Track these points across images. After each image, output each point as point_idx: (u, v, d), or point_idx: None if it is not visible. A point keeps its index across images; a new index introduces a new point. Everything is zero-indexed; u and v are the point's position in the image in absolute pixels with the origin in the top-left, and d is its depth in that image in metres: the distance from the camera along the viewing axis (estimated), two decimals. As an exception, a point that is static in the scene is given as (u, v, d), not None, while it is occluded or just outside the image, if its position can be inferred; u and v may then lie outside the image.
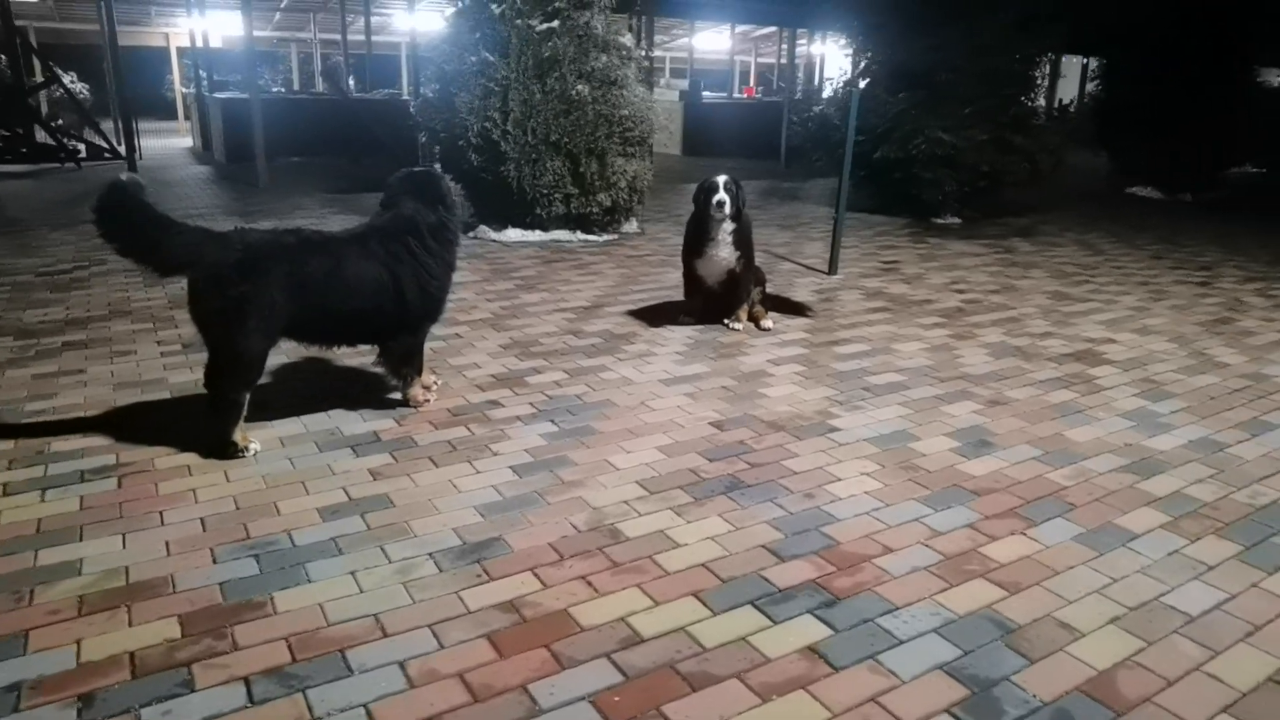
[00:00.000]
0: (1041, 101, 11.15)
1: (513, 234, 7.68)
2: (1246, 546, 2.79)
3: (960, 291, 6.26)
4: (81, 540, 2.62)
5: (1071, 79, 18.53)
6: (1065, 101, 11.24)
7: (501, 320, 5.17)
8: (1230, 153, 12.68)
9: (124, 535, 2.65)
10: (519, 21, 7.24)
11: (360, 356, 4.22)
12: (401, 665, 2.09)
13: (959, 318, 5.52)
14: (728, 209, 4.73)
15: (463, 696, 1.99)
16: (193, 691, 1.99)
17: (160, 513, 2.79)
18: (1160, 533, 2.87)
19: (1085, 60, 16.38)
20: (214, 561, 2.53)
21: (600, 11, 7.54)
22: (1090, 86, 13.79)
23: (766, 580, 2.49)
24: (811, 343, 4.86)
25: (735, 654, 2.16)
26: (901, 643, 2.23)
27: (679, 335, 4.93)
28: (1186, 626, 2.36)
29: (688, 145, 17.16)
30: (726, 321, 5.04)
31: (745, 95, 23.51)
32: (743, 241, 4.87)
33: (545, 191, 7.45)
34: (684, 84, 18.45)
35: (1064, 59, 16.40)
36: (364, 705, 1.96)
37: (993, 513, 2.95)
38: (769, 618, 2.31)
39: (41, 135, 14.26)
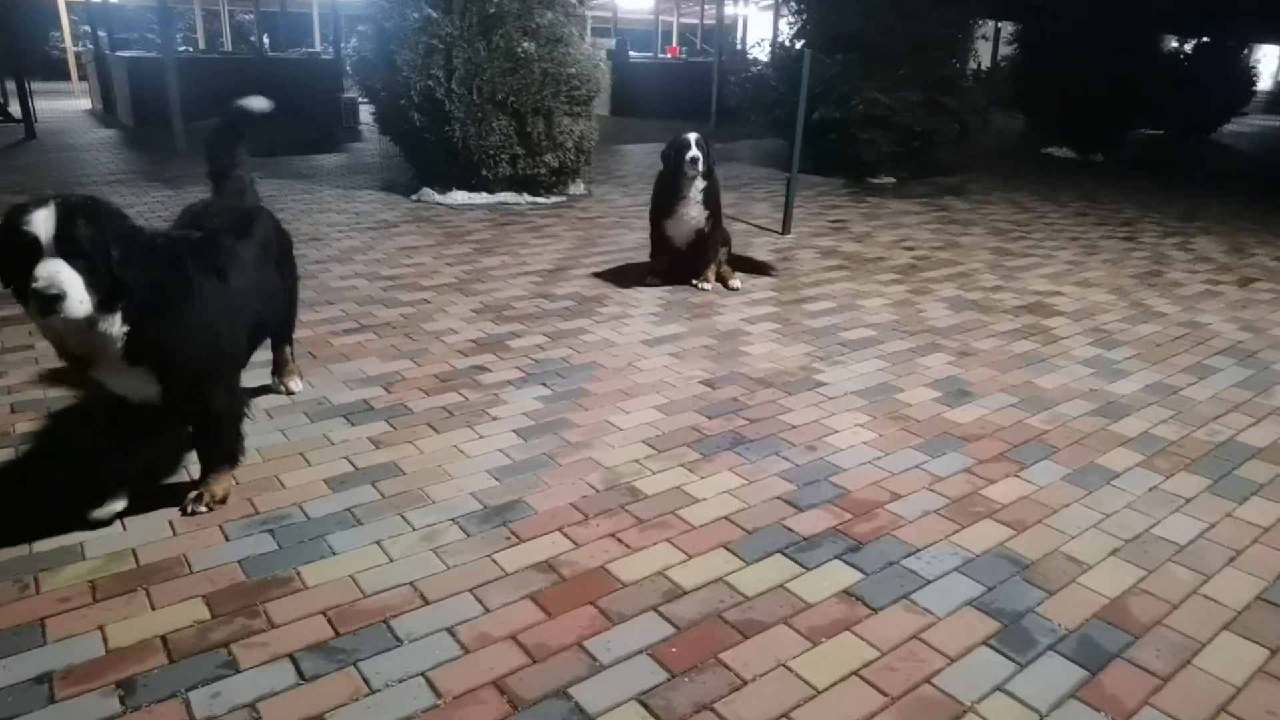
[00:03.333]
0: (971, 65, 11.43)
1: (459, 196, 7.50)
2: (1214, 480, 3.00)
3: (909, 249, 6.44)
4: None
5: (985, 42, 19.07)
6: (979, 65, 11.57)
7: (467, 285, 5.07)
8: (1136, 115, 13.33)
9: (121, 517, 2.52)
10: (460, -24, 7.01)
11: (322, 326, 4.09)
12: (451, 631, 2.08)
13: (913, 274, 5.68)
14: (701, 165, 4.73)
15: (520, 658, 1.99)
16: (238, 672, 1.93)
17: (157, 490, 2.66)
18: (1138, 470, 3.05)
19: (997, 25, 16.83)
20: (226, 539, 2.44)
21: (543, -34, 7.37)
22: (1007, 50, 14.21)
23: (789, 530, 2.56)
24: (780, 300, 4.93)
25: (776, 601, 2.22)
26: (929, 582, 2.33)
27: (650, 296, 4.93)
28: (1178, 555, 2.53)
29: (616, 105, 16.98)
30: (695, 282, 5.07)
31: (670, 55, 23.37)
32: (712, 200, 4.89)
33: (492, 152, 7.30)
34: (610, 43, 18.19)
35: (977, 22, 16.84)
36: (421, 674, 1.94)
37: (985, 458, 3.09)
38: (800, 565, 2.38)
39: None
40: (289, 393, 3.38)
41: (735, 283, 5.14)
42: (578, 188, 8.22)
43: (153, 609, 2.14)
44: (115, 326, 2.18)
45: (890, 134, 9.43)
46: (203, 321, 2.43)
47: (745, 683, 1.93)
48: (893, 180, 9.77)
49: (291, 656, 1.98)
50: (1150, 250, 6.71)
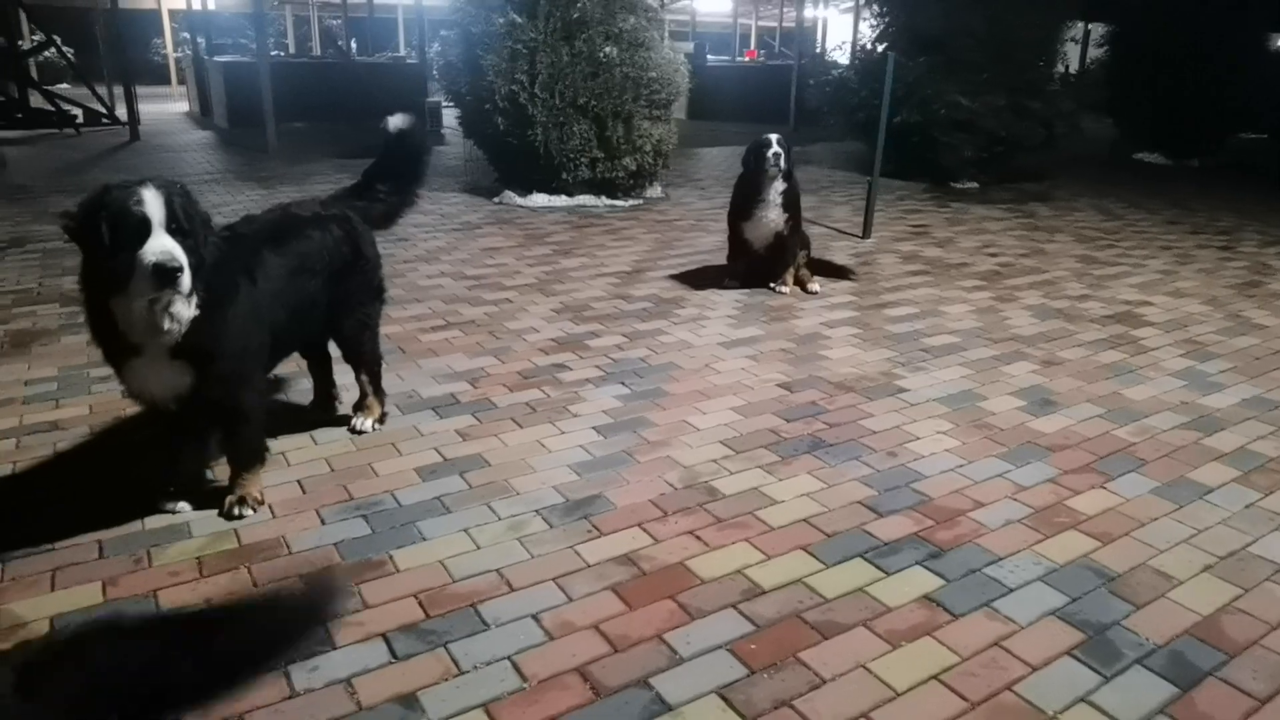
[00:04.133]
0: (1069, 67, 11.12)
1: (538, 199, 7.65)
2: (1318, 498, 2.88)
3: (993, 255, 6.31)
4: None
5: (1074, 45, 18.47)
6: (1066, 68, 11.17)
7: (547, 285, 5.18)
8: (1236, 118, 12.73)
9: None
10: (545, -18, 7.16)
11: (410, 323, 4.23)
12: (535, 618, 2.15)
13: (997, 281, 5.57)
14: (783, 162, 4.74)
15: (603, 647, 2.05)
16: (334, 649, 2.04)
17: (259, 474, 2.81)
18: (1233, 486, 2.95)
19: (1086, 26, 16.29)
20: (322, 523, 2.57)
21: (626, -28, 7.46)
22: (1097, 53, 13.74)
23: (870, 534, 2.56)
24: (860, 305, 4.90)
25: (856, 603, 2.23)
26: (1011, 590, 2.31)
27: (727, 299, 4.96)
28: (1277, 575, 2.44)
29: (693, 109, 17.01)
30: (773, 285, 5.07)
31: (747, 58, 23.32)
32: (792, 203, 4.89)
33: (572, 156, 7.42)
34: (688, 46, 18.25)
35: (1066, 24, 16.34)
36: (508, 657, 2.01)
37: (1070, 468, 3.03)
38: (880, 569, 2.38)
39: (37, 100, 14.03)
40: (355, 431, 3.13)
41: (814, 286, 5.12)
42: (655, 191, 8.29)
43: (254, 585, 2.27)
44: (187, 310, 2.27)
45: (973, 138, 9.24)
46: (249, 318, 2.52)
47: (824, 681, 1.95)
48: (975, 185, 9.57)
49: (384, 636, 2.08)
50: (1249, 260, 6.43)
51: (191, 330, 2.30)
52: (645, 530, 2.55)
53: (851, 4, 18.66)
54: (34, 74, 16.70)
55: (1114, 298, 5.28)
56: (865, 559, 2.43)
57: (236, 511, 2.58)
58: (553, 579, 2.31)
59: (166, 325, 2.24)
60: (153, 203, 2.13)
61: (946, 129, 9.13)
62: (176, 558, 2.39)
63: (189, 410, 2.52)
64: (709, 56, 18.77)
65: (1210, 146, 12.54)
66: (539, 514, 2.63)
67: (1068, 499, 2.82)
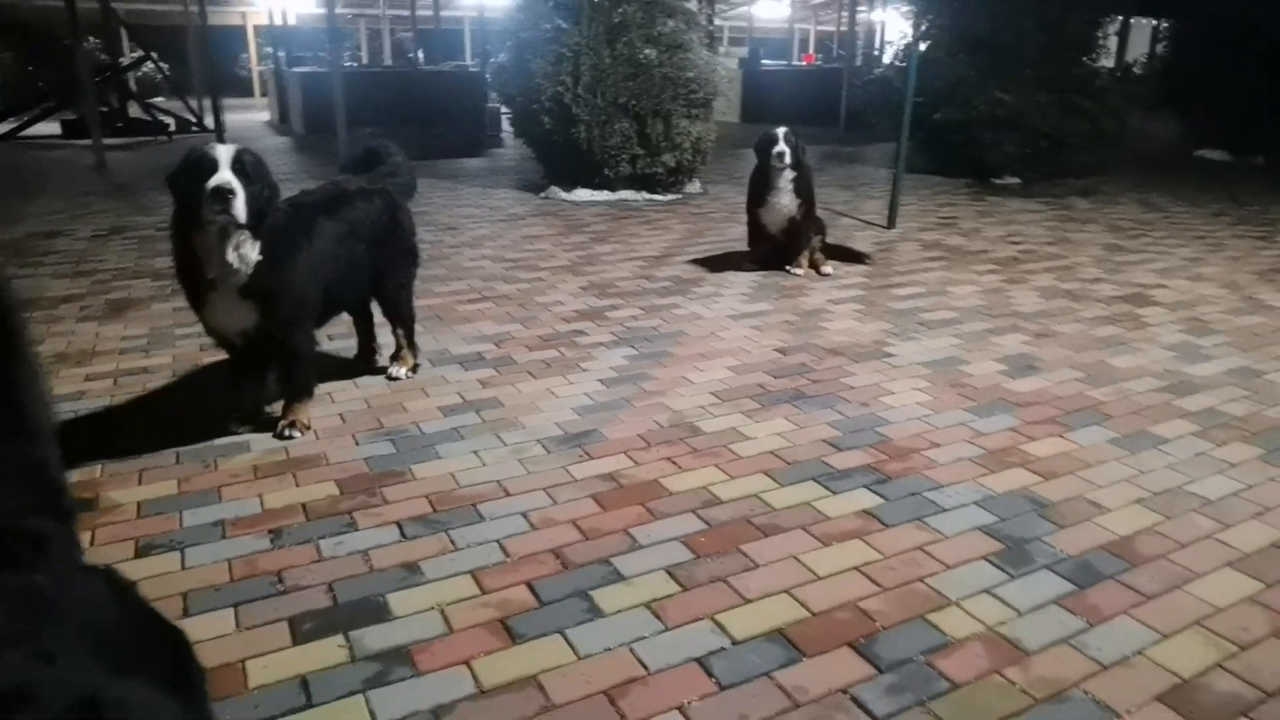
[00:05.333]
0: (1108, 63, 11.07)
1: (582, 194, 8.09)
2: (1270, 450, 3.07)
3: (1016, 243, 6.47)
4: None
5: (1141, 41, 18.15)
6: (1130, 63, 11.11)
7: (579, 267, 5.59)
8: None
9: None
10: (590, -11, 7.60)
11: (449, 296, 4.67)
12: (524, 515, 2.53)
13: (1013, 266, 5.76)
14: (788, 158, 5.06)
15: (576, 536, 2.42)
16: (356, 530, 2.46)
17: (307, 408, 3.27)
18: (1190, 439, 3.16)
19: (1156, 22, 16.04)
20: (356, 444, 3.01)
21: (667, -22, 7.86)
22: (1143, 49, 13.56)
23: (827, 464, 2.87)
24: (869, 286, 5.17)
25: (800, 514, 2.55)
26: (945, 510, 2.60)
27: (744, 279, 5.29)
28: (1204, 507, 2.67)
29: (747, 112, 17.33)
30: (788, 267, 5.38)
31: (805, 62, 23.46)
32: (803, 189, 5.19)
33: (613, 152, 7.84)
34: (743, 51, 18.56)
35: (1133, 21, 16.09)
36: (496, 541, 2.40)
37: (1033, 420, 3.28)
38: (829, 490, 2.70)
39: (134, 110, 15.18)
40: (390, 378, 3.56)
41: (827, 269, 5.41)
42: (694, 186, 8.64)
43: (297, 486, 2.72)
44: (254, 253, 2.78)
45: (1016, 135, 9.33)
46: (306, 270, 2.99)
47: (757, 566, 2.28)
48: (1018, 181, 9.64)
49: (398, 523, 2.49)
50: (1282, 249, 6.44)
51: (257, 274, 2.80)
52: (629, 456, 2.92)
53: (911, 7, 18.72)
54: (133, 87, 18.01)
55: (1129, 281, 5.42)
56: (817, 481, 2.75)
57: (287, 433, 3.04)
58: (543, 488, 2.69)
59: (236, 264, 2.73)
60: (222, 152, 2.69)
61: (988, 126, 9.25)
62: (237, 466, 2.85)
63: (253, 346, 3.01)
64: (764, 61, 19.03)
65: (1277, 143, 12.24)
66: (539, 442, 3.02)
67: (1023, 444, 3.08)
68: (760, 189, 5.27)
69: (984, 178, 9.67)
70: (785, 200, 5.19)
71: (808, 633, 2.02)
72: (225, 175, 2.66)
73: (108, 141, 13.43)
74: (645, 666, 1.91)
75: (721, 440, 3.04)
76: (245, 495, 2.66)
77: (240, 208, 2.67)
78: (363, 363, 3.76)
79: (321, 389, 3.43)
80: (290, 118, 15.86)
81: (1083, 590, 2.22)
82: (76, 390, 3.46)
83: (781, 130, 5.15)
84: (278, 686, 1.85)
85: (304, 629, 2.03)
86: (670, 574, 2.24)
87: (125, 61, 17.58)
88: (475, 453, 2.93)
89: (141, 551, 2.35)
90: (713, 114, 8.47)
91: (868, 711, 1.79)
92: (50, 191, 8.50)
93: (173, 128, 14.62)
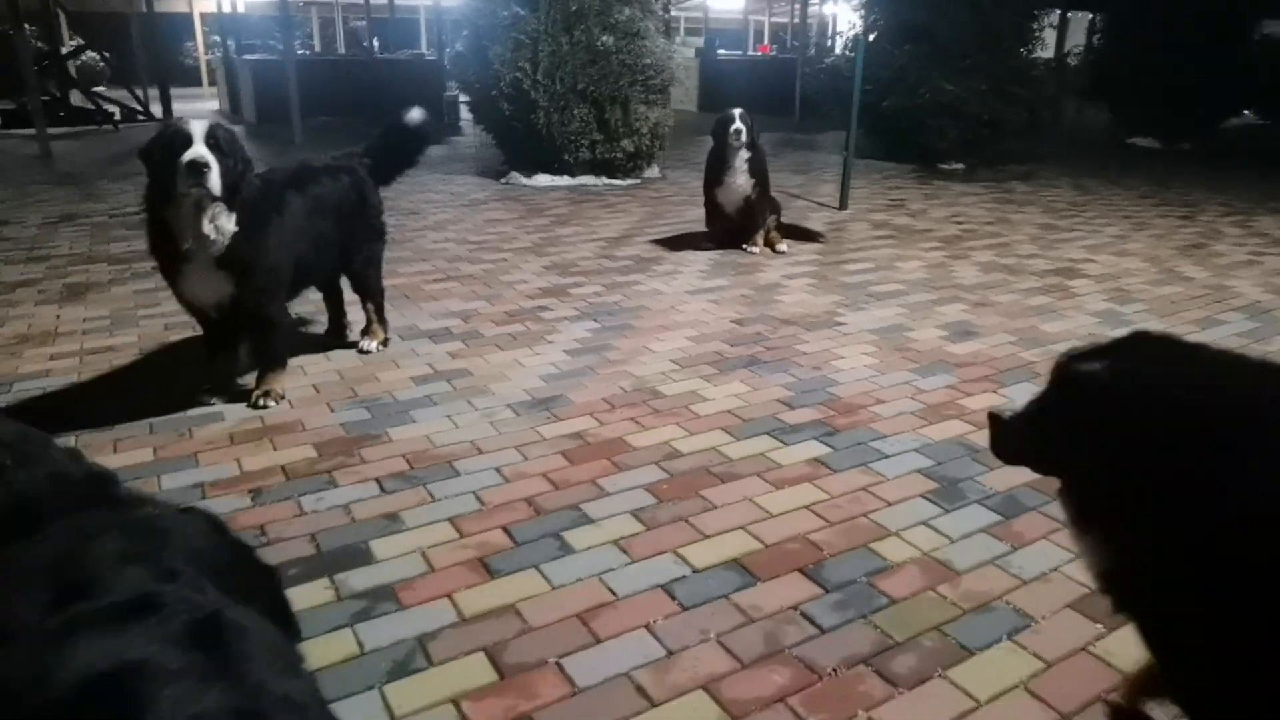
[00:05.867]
0: (1046, 54, 11.49)
1: (542, 179, 8.22)
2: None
3: (959, 223, 6.77)
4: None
5: (1079, 33, 18.77)
6: (1065, 54, 11.53)
7: (541, 248, 5.74)
8: (1229, 102, 13.01)
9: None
10: (546, -23, 7.72)
11: (415, 276, 4.79)
12: (498, 469, 2.70)
13: (956, 243, 6.05)
14: (744, 136, 5.27)
15: (546, 486, 2.59)
16: (336, 487, 2.60)
17: (281, 380, 3.39)
18: (1110, 394, 3.42)
19: (1094, 15, 16.59)
20: (331, 411, 3.14)
21: (622, -33, 8.00)
22: (1080, 41, 14.09)
23: (779, 420, 3.08)
24: (822, 262, 5.41)
25: (755, 463, 2.76)
26: (888, 456, 2.82)
27: (701, 258, 5.49)
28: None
29: (704, 100, 17.53)
30: (745, 246, 5.59)
31: (760, 53, 23.75)
32: (757, 170, 5.41)
33: (573, 138, 7.98)
34: (699, 41, 18.77)
35: (1071, 14, 16.64)
36: (472, 492, 2.57)
37: (970, 379, 3.53)
38: (781, 442, 2.91)
39: (77, 99, 14.85)
40: (361, 351, 3.69)
41: (782, 247, 5.63)
42: (653, 171, 8.82)
43: (275, 450, 2.84)
44: (230, 224, 2.89)
45: (959, 122, 9.68)
46: (279, 242, 3.11)
47: (715, 507, 2.48)
48: (962, 166, 9.99)
49: (377, 480, 2.64)
50: (1204, 227, 6.83)
51: (232, 245, 2.91)
52: (594, 418, 3.09)
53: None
54: (74, 75, 17.60)
55: (1061, 256, 5.73)
56: (771, 435, 2.95)
57: (261, 403, 3.16)
58: (514, 446, 2.86)
59: (213, 235, 2.84)
60: (196, 126, 2.80)
61: (933, 113, 9.57)
62: (212, 434, 2.96)
63: (226, 318, 3.11)
64: (720, 50, 19.26)
65: (1203, 131, 12.83)
66: (509, 407, 3.18)
67: (960, 399, 3.32)
68: (717, 170, 5.47)
69: (930, 164, 10.01)
70: (741, 180, 5.39)
71: (761, 561, 2.23)
72: (200, 149, 2.76)
73: (51, 131, 13.18)
74: (614, 593, 2.10)
75: (682, 402, 3.23)
76: (223, 460, 2.77)
77: (215, 181, 2.78)
78: (334, 338, 3.88)
79: (294, 362, 3.54)
80: (241, 107, 15.66)
81: (1008, 520, 2.46)
82: (42, 369, 3.52)
83: (738, 111, 5.36)
84: (274, 619, 2.00)
85: (290, 574, 2.17)
86: (635, 516, 2.42)
87: (65, 50, 17.20)
88: (448, 417, 3.08)
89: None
90: (670, 100, 8.65)
91: (815, 624, 2.00)
92: (-2, 180, 8.37)
93: (118, 117, 14.36)
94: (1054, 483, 2.38)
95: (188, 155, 2.75)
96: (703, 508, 2.48)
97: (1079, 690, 1.80)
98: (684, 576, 2.16)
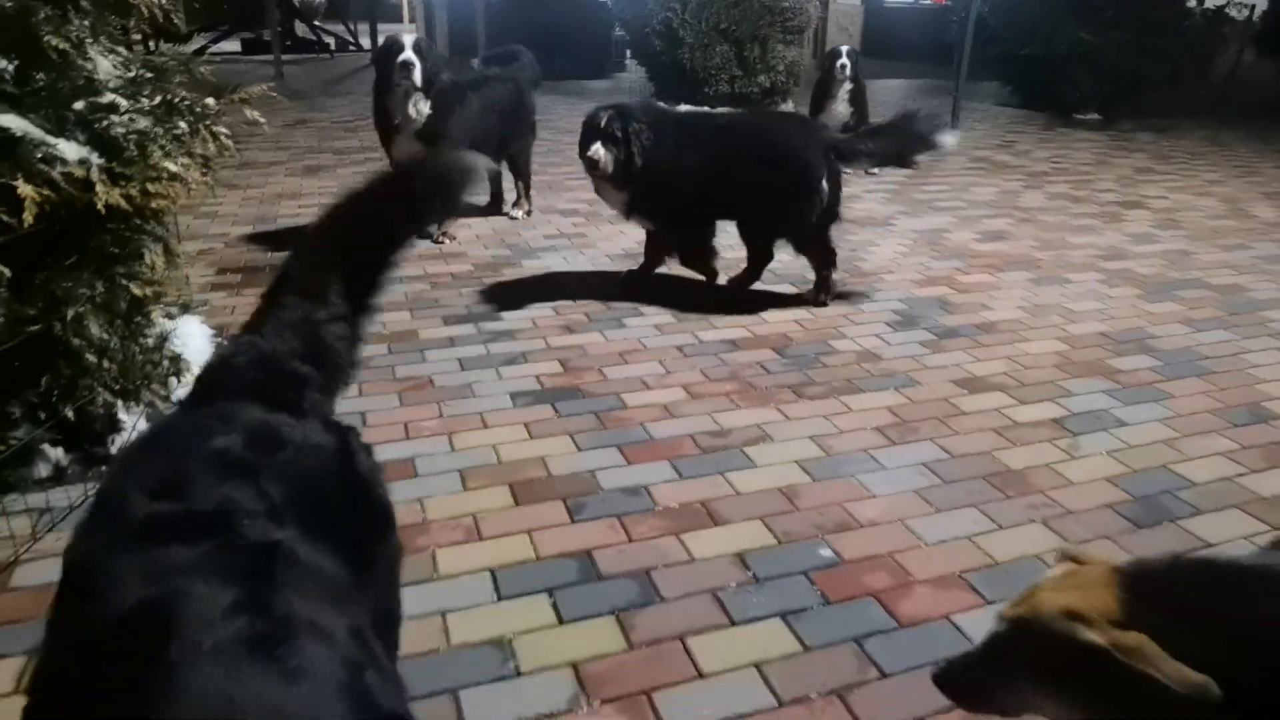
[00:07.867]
0: (1199, 3, 11.15)
1: (684, 109, 9.26)
2: (1148, 292, 4.06)
3: (1055, 163, 7.27)
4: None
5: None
6: (1223, 3, 10.93)
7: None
8: None
9: (436, 236, 4.60)
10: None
11: (559, 174, 6.05)
12: (582, 280, 3.90)
13: (1040, 177, 6.63)
14: (849, 71, 6.14)
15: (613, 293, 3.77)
16: (483, 285, 3.88)
17: (453, 228, 4.72)
18: (1092, 283, 4.18)
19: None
20: (485, 249, 4.45)
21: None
22: None
23: (806, 278, 4.09)
24: (904, 183, 6.21)
25: (777, 297, 3.81)
26: (873, 301, 3.81)
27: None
28: (1063, 312, 3.74)
29: (866, 48, 17.73)
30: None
31: (934, 3, 23.33)
32: (857, 100, 6.26)
33: (713, 73, 8.96)
34: (866, -11, 18.90)
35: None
36: (563, 290, 3.78)
37: (978, 266, 4.37)
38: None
39: (300, 30, 17.18)
40: (510, 217, 5.05)
41: (874, 169, 6.45)
42: (788, 106, 9.65)
43: (447, 265, 4.16)
44: (426, 108, 4.21)
45: (1096, 73, 9.81)
46: (459, 125, 4.36)
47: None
48: (1097, 117, 10.13)
49: (503, 283, 3.90)
50: (1315, 178, 6.96)
51: (427, 123, 4.22)
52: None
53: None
54: (298, 8, 20.13)
55: (1137, 193, 6.20)
56: (793, 284, 3.98)
57: (441, 240, 4.52)
58: (602, 273, 4.05)
59: (414, 115, 4.17)
60: (407, 38, 4.14)
61: (1067, 63, 9.78)
62: (405, 254, 4.33)
63: None
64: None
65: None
66: (607, 256, 4.36)
67: (958, 276, 4.20)
68: (820, 98, 6.35)
69: (1065, 113, 10.20)
70: (840, 109, 6.26)
71: (752, 338, 3.31)
72: (409, 54, 4.08)
73: (283, 57, 15.47)
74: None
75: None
76: (412, 270, 4.12)
77: (418, 76, 4.09)
78: (492, 207, 5.19)
79: (463, 221, 4.88)
80: (435, 39, 17.53)
81: (939, 340, 3.40)
82: (294, 213, 5.02)
83: (845, 47, 6.22)
84: (440, 337, 3.30)
85: (448, 321, 3.46)
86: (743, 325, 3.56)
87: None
88: (563, 258, 4.32)
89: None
90: (806, 41, 9.42)
91: (774, 379, 3.07)
92: (249, 92, 10.34)
93: (333, 46, 16.54)
94: (993, 325, 3.26)
95: (401, 57, 4.06)
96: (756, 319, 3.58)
97: None
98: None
